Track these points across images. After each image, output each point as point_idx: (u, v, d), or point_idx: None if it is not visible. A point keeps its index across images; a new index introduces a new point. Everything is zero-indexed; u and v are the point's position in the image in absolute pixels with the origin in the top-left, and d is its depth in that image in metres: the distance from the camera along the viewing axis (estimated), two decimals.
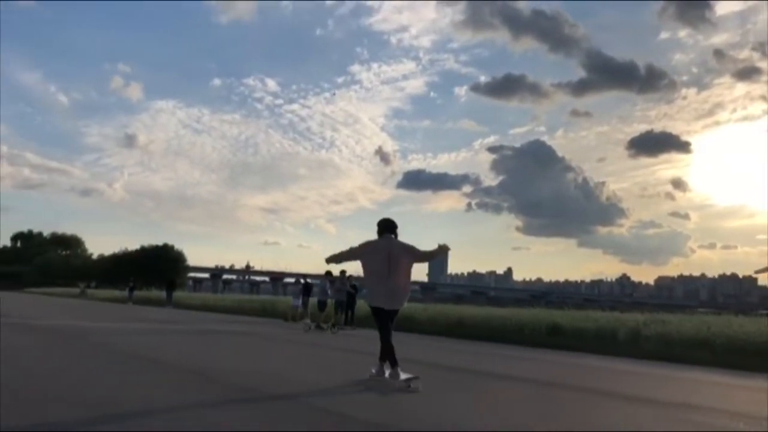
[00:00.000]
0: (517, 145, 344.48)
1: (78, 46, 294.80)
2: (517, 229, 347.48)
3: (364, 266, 6.80)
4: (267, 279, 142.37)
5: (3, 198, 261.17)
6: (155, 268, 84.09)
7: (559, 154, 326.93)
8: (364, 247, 6.82)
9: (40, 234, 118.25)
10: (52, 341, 10.38)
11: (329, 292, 18.20)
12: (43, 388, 5.20)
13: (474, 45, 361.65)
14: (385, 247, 6.69)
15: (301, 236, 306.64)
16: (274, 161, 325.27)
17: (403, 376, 6.33)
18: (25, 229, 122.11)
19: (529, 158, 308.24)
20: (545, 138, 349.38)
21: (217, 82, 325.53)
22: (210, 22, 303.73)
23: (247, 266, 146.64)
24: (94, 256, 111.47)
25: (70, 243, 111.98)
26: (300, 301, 22.35)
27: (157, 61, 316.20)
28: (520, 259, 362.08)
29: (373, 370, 6.84)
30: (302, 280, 23.59)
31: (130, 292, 38.14)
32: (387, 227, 6.90)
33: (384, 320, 6.65)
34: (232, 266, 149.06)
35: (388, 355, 6.55)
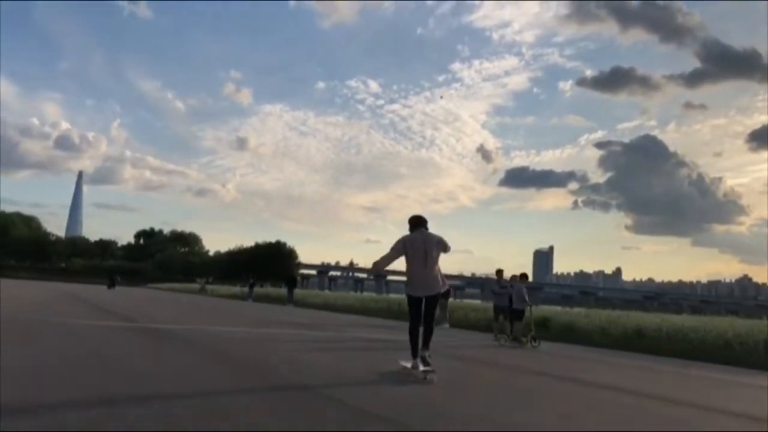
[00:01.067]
0: (626, 140, 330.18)
1: (193, 55, 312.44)
2: (627, 227, 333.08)
3: (406, 257, 7.19)
4: (371, 276, 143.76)
5: (127, 199, 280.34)
6: (269, 265, 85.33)
7: (672, 149, 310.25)
8: (404, 243, 7.23)
9: (161, 232, 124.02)
10: (189, 358, 8.55)
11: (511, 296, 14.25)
12: None
13: (580, 38, 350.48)
14: (422, 240, 7.21)
15: (401, 234, 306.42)
16: (376, 161, 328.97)
17: (421, 366, 6.77)
18: (147, 227, 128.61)
19: (639, 154, 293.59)
20: (656, 132, 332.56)
21: (321, 85, 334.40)
22: (315, 26, 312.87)
23: (351, 264, 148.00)
24: (211, 253, 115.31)
25: (189, 240, 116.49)
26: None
27: (265, 67, 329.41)
28: (629, 258, 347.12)
29: (417, 367, 6.87)
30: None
31: (250, 290, 37.54)
32: (419, 222, 7.43)
33: (419, 308, 7.13)
34: (337, 263, 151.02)
35: (428, 336, 7.08)
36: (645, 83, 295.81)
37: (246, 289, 39.13)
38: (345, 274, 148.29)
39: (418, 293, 7.15)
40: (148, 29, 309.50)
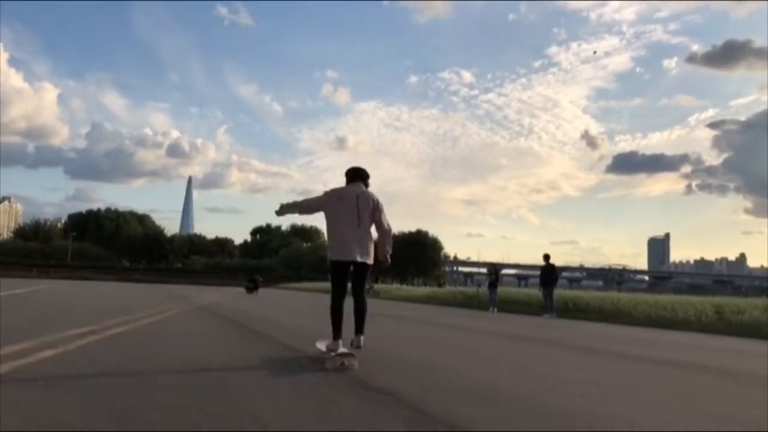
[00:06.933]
0: (742, 118, 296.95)
1: (290, 58, 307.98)
2: (746, 211, 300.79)
3: (328, 215, 5.62)
4: (484, 271, 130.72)
5: (235, 201, 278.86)
6: (415, 257, 71.28)
7: None
8: (329, 194, 5.74)
9: (278, 228, 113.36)
10: None
11: None
12: None
13: (686, 12, 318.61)
14: (355, 194, 5.63)
15: (503, 227, 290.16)
16: (473, 153, 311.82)
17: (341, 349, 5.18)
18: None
19: (759, 131, 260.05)
20: None
21: (413, 79, 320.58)
22: (409, 22, 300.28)
23: (455, 258, 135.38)
24: None
25: (311, 235, 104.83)
26: None
27: (360, 65, 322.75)
28: (753, 243, 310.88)
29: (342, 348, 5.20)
30: None
31: (492, 290, 21.92)
32: (358, 175, 5.84)
33: (345, 278, 5.47)
34: (455, 256, 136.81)
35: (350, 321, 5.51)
36: (764, 56, 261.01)
37: (484, 289, 24.26)
38: (449, 268, 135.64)
39: (346, 257, 5.42)
40: (246, 36, 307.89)
